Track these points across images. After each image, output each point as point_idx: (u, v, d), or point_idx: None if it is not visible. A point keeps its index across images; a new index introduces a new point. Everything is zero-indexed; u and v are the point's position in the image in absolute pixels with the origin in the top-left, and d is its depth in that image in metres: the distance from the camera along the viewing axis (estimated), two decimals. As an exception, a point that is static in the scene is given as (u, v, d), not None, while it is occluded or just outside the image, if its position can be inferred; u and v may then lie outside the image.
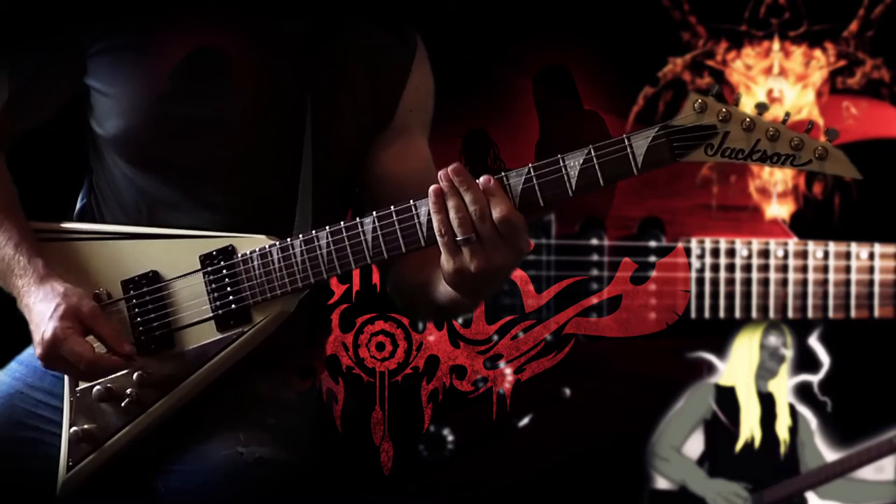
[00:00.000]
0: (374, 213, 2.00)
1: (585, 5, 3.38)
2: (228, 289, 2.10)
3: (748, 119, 1.86)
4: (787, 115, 1.87)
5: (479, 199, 1.90)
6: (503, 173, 1.94)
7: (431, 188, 1.92)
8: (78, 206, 2.34)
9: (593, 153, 1.90)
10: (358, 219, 2.02)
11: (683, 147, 1.88)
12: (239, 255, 2.10)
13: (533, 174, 1.92)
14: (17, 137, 2.28)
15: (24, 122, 2.26)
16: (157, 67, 2.16)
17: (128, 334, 2.14)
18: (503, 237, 1.91)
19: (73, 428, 2.14)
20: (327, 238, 2.04)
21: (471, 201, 1.90)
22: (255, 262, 2.08)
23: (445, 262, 1.94)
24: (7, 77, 2.20)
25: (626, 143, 1.90)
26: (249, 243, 2.10)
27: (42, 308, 2.08)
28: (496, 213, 1.90)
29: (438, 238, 1.93)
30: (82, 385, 2.15)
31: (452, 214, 1.91)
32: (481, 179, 1.92)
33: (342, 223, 2.03)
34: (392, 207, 1.99)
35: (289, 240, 2.07)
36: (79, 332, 2.05)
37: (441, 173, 1.92)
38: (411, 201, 1.98)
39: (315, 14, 2.23)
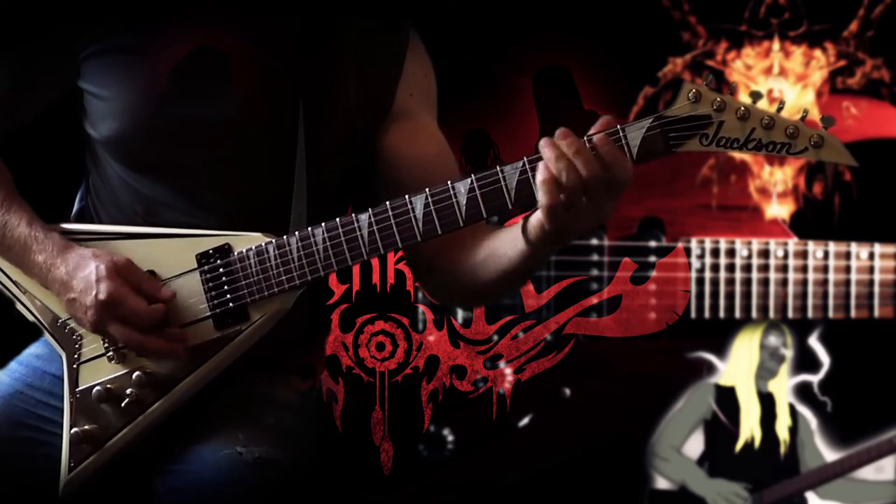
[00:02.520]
0: (370, 208, 2.00)
1: (585, 5, 3.38)
2: (225, 287, 2.10)
3: (743, 108, 1.85)
4: (782, 103, 1.85)
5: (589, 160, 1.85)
6: (498, 167, 1.93)
7: (543, 147, 1.87)
8: (75, 207, 2.35)
9: (587, 145, 1.89)
10: (353, 215, 2.02)
11: (678, 137, 1.87)
12: (235, 253, 2.09)
13: (527, 167, 1.92)
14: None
15: (8, 122, 2.26)
16: (155, 68, 2.16)
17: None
18: (612, 191, 1.87)
19: (74, 429, 2.14)
20: (323, 234, 2.04)
21: (582, 164, 1.85)
22: (252, 260, 2.08)
23: (545, 223, 1.88)
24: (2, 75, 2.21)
25: (621, 133, 1.89)
26: (246, 241, 2.09)
27: (82, 274, 2.08)
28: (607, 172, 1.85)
29: (546, 208, 1.86)
30: (82, 386, 2.16)
31: (564, 178, 1.85)
32: (596, 138, 1.87)
33: (338, 219, 2.03)
34: (387, 203, 1.99)
35: (285, 237, 2.07)
36: (129, 288, 2.06)
37: (544, 140, 1.88)
38: (406, 196, 1.98)
39: (310, 12, 2.23)
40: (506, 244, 2.02)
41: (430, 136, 2.28)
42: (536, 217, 1.90)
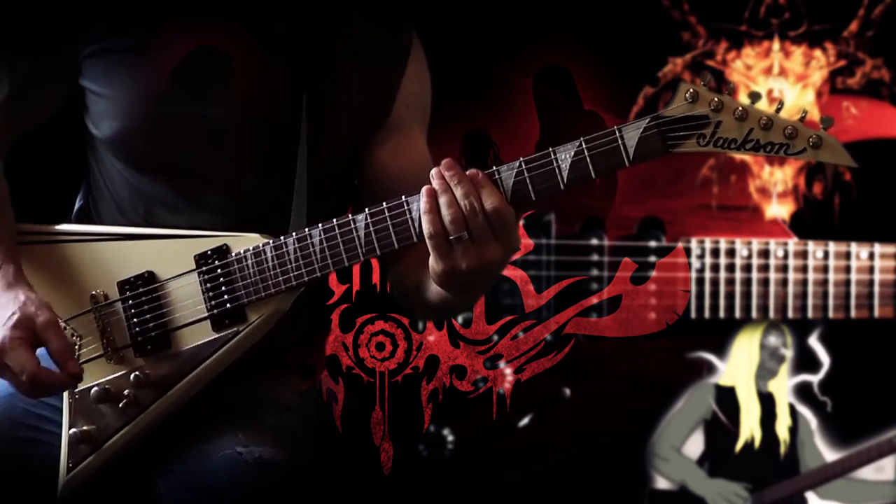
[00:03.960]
0: (367, 209, 2.01)
1: (585, 5, 3.37)
2: (223, 288, 2.10)
3: (740, 108, 1.85)
4: (781, 104, 1.85)
5: (471, 192, 1.89)
6: (494, 167, 1.93)
7: (424, 188, 1.91)
8: (76, 207, 2.35)
9: (584, 146, 1.90)
10: (350, 216, 2.02)
11: (675, 138, 1.87)
12: (233, 254, 2.10)
13: (524, 167, 1.92)
14: (13, 141, 2.28)
15: (20, 126, 2.26)
16: (156, 68, 2.17)
17: (124, 336, 2.15)
18: (494, 232, 1.90)
19: (73, 429, 2.14)
20: (320, 235, 2.04)
21: (462, 195, 1.89)
22: (249, 261, 2.09)
23: (435, 262, 1.93)
24: (4, 78, 2.20)
25: (617, 134, 1.89)
26: (243, 242, 2.10)
27: (2, 314, 2.04)
28: (488, 206, 1.89)
29: (428, 241, 1.91)
30: (81, 386, 2.15)
31: (444, 211, 1.89)
32: (470, 172, 1.91)
33: (335, 220, 2.03)
34: (384, 204, 1.99)
35: (282, 238, 2.07)
36: (28, 344, 2.00)
37: (433, 171, 1.91)
38: (403, 197, 1.98)
39: (310, 11, 2.23)
40: (430, 282, 2.03)
41: (418, 152, 2.29)
42: (430, 257, 1.93)
